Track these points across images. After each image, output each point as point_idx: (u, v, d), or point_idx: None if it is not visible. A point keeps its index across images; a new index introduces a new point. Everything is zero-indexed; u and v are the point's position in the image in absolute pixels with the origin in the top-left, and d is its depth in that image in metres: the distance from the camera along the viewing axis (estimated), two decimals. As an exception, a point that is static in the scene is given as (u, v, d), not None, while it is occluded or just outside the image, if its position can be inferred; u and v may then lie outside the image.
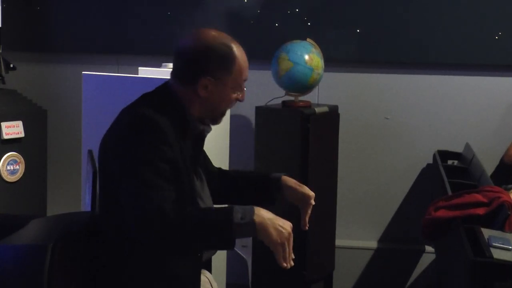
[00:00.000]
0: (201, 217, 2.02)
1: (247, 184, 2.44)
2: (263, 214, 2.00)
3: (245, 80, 2.23)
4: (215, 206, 2.32)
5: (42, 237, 2.14)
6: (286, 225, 2.01)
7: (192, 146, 2.22)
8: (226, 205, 2.11)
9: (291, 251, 2.02)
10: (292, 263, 2.02)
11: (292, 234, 2.02)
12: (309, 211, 2.34)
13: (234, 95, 2.21)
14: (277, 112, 3.74)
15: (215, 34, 2.20)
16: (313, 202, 2.34)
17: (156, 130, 2.05)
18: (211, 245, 2.16)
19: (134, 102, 2.20)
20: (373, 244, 4.28)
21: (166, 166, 2.04)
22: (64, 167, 4.41)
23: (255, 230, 1.99)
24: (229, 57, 2.17)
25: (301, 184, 2.37)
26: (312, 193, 2.34)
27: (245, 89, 2.25)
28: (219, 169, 2.51)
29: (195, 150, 2.24)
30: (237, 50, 2.19)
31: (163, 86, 2.23)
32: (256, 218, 1.98)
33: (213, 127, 2.35)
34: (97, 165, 2.22)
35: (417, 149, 4.19)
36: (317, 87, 3.85)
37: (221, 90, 2.18)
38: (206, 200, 2.27)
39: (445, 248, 3.20)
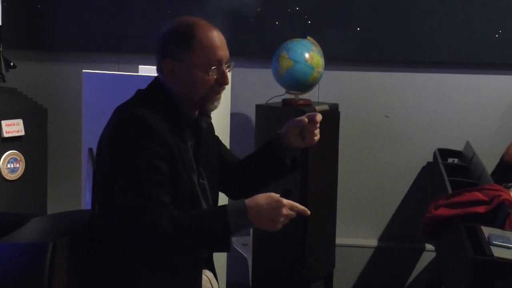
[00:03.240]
0: (195, 227, 1.98)
1: (257, 161, 2.34)
2: (255, 208, 1.97)
3: (219, 61, 2.10)
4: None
5: (42, 235, 2.14)
6: (278, 212, 1.97)
7: (194, 144, 2.18)
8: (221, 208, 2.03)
9: (296, 208, 2.00)
10: (308, 211, 2.01)
11: (285, 206, 1.98)
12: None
13: (208, 77, 2.09)
14: (278, 110, 3.73)
15: (181, 19, 2.13)
16: (318, 118, 2.26)
17: (146, 128, 2.01)
18: (206, 250, 2.17)
19: (128, 99, 2.17)
20: (374, 242, 4.28)
21: (159, 163, 2.00)
22: (64, 166, 4.40)
23: (251, 227, 2.00)
24: (187, 35, 2.08)
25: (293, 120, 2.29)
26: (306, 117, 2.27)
27: (228, 72, 2.13)
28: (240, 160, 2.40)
29: (196, 147, 2.18)
30: (201, 28, 2.09)
31: (155, 80, 2.19)
32: (250, 217, 1.96)
33: (214, 126, 2.33)
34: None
35: (417, 147, 4.19)
36: (317, 85, 3.85)
37: (187, 71, 2.09)
38: (208, 200, 2.23)
39: (445, 247, 3.19)
